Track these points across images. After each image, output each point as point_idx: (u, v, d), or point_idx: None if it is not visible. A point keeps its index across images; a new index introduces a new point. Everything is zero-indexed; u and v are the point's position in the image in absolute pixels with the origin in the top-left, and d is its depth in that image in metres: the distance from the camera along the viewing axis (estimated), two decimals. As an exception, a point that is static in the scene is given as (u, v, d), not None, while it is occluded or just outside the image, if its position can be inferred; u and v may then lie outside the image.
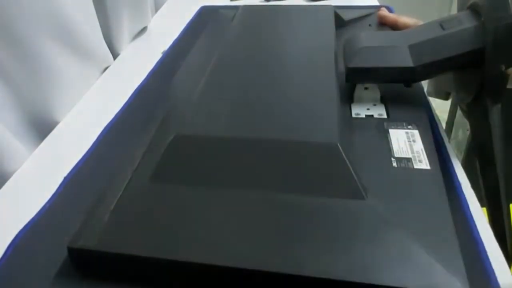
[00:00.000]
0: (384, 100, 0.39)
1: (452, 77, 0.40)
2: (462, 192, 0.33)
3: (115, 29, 0.59)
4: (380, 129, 0.35)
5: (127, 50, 0.62)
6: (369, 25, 0.55)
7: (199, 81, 0.40)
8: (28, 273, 0.28)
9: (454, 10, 0.45)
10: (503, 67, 0.33)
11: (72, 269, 0.27)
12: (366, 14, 0.57)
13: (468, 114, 0.39)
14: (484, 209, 0.34)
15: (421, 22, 0.43)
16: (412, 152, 0.32)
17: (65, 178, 0.37)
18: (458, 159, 0.37)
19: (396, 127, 0.35)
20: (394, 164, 0.31)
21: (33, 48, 0.44)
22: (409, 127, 0.35)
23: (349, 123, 0.36)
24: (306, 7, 0.63)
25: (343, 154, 0.29)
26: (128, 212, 0.28)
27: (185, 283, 0.25)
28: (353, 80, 0.39)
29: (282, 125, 0.33)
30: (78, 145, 0.41)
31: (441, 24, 0.37)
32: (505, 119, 0.34)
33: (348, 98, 0.39)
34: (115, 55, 0.60)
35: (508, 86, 0.34)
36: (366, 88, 0.39)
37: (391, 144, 0.33)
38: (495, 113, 0.34)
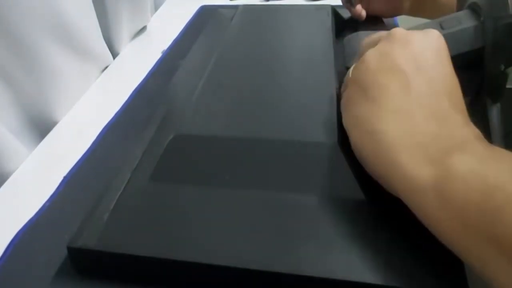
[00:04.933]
0: None
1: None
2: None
3: (114, 29, 0.59)
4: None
5: (126, 49, 0.62)
6: None
7: (198, 80, 0.40)
8: (28, 273, 0.28)
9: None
10: (503, 67, 0.33)
11: (72, 269, 0.27)
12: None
13: (467, 113, 0.39)
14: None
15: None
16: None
17: (64, 177, 0.37)
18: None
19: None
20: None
21: (33, 47, 0.44)
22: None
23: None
24: (306, 7, 0.63)
25: (343, 154, 0.29)
26: (128, 211, 0.28)
27: (185, 283, 0.25)
28: None
29: (282, 125, 0.33)
30: (77, 145, 0.41)
31: (441, 24, 0.36)
32: (505, 119, 0.34)
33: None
34: (114, 55, 0.60)
35: (508, 86, 0.34)
36: None
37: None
38: (495, 113, 0.34)
